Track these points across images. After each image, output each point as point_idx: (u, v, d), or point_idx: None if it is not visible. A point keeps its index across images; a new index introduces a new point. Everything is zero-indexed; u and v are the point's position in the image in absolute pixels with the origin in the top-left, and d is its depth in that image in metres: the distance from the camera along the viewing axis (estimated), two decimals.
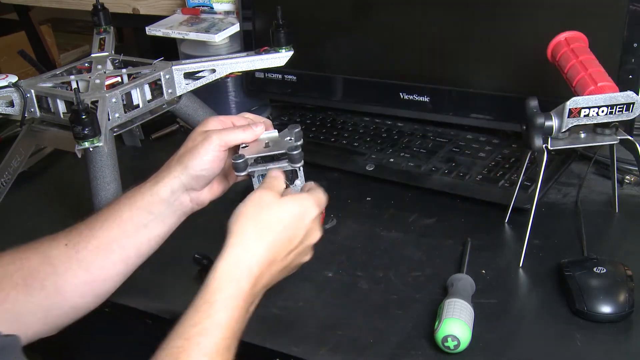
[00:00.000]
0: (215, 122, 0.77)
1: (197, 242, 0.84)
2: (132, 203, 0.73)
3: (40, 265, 0.70)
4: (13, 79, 0.89)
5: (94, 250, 0.72)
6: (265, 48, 0.95)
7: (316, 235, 0.70)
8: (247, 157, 0.72)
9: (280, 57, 0.95)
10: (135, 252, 0.74)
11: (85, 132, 0.76)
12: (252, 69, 0.95)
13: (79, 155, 0.80)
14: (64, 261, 0.71)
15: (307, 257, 0.71)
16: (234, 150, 0.75)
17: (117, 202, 0.74)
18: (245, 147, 0.74)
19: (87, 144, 0.76)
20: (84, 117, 0.75)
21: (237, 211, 0.67)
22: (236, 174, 0.73)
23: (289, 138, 0.76)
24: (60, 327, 0.72)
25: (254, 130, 0.75)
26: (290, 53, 0.95)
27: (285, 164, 0.72)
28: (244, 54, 0.96)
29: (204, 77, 0.94)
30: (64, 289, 0.70)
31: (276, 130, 0.77)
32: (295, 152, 0.72)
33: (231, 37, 1.16)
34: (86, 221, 0.74)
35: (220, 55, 1.01)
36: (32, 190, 1.07)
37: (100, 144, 0.77)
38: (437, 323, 0.69)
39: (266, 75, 1.19)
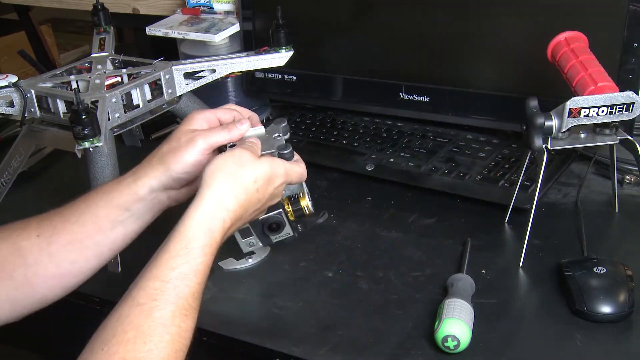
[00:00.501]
0: (201, 121, 0.76)
1: None
2: (110, 199, 0.73)
3: (9, 255, 0.70)
4: (13, 79, 0.89)
5: (67, 245, 0.72)
6: (265, 48, 0.95)
7: (276, 200, 0.74)
8: None
9: (280, 57, 0.94)
10: (109, 248, 0.74)
11: (85, 132, 0.76)
12: (252, 69, 0.95)
13: (79, 155, 0.80)
14: (34, 253, 0.70)
15: (261, 216, 0.76)
16: (219, 149, 0.75)
17: (94, 196, 0.74)
18: (232, 145, 0.75)
19: (87, 144, 0.76)
20: (84, 117, 0.75)
21: (216, 164, 0.68)
22: None
23: (277, 135, 0.76)
24: (26, 315, 0.72)
25: (239, 129, 0.76)
26: (290, 53, 0.95)
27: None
28: (244, 54, 0.96)
29: (204, 77, 0.94)
30: (33, 281, 0.70)
31: (263, 127, 0.77)
32: (286, 152, 0.73)
33: (231, 37, 1.16)
34: (60, 211, 0.73)
35: (220, 55, 1.01)
36: (32, 190, 1.07)
37: (100, 144, 0.77)
38: (437, 323, 0.69)
39: (266, 75, 1.19)
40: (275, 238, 0.79)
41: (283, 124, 0.78)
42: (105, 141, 0.79)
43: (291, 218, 0.78)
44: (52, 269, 0.71)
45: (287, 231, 0.79)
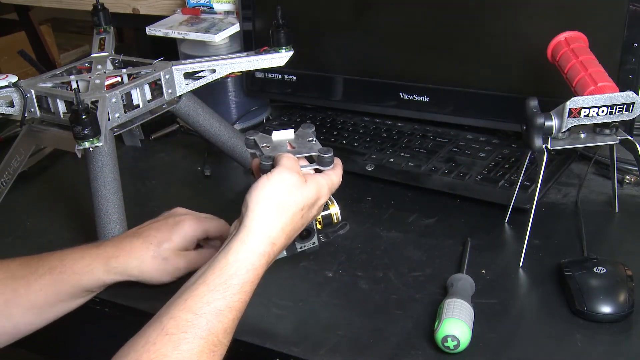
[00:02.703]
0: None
1: None
2: (76, 281, 0.75)
3: None
4: (13, 79, 0.89)
5: (27, 310, 0.73)
6: (265, 48, 0.95)
7: (315, 216, 0.72)
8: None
9: (280, 57, 0.94)
10: (67, 311, 0.76)
11: (85, 132, 0.76)
12: (252, 69, 0.95)
13: (79, 155, 0.80)
14: None
15: None
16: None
17: (62, 269, 0.74)
18: (267, 146, 0.73)
19: (87, 144, 0.76)
20: (84, 117, 0.75)
21: (262, 189, 0.66)
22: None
23: (310, 139, 0.74)
24: None
25: None
26: (290, 53, 0.95)
27: (306, 164, 0.71)
28: (244, 54, 0.96)
29: (204, 77, 0.94)
30: None
31: (292, 130, 0.75)
32: (327, 155, 0.70)
33: (231, 37, 1.16)
34: (25, 274, 0.74)
35: (220, 55, 1.01)
36: (32, 190, 1.07)
37: (100, 144, 0.77)
38: (437, 323, 0.69)
39: (266, 75, 1.19)
40: (300, 247, 0.76)
41: (312, 129, 0.75)
42: (105, 141, 0.79)
43: (318, 227, 0.75)
44: (9, 329, 0.73)
45: (314, 240, 0.76)
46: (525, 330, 0.72)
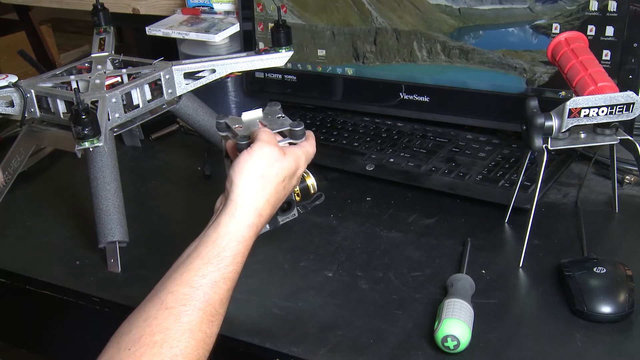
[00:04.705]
0: None
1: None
2: None
3: None
4: (13, 79, 0.89)
5: None
6: (265, 48, 0.95)
7: (294, 186, 0.75)
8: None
9: (280, 57, 0.95)
10: None
11: (85, 132, 0.76)
12: (252, 69, 0.95)
13: (79, 155, 0.80)
14: None
15: None
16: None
17: None
18: (239, 127, 0.75)
19: (87, 144, 0.76)
20: (84, 117, 0.75)
21: (244, 165, 0.68)
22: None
23: (279, 115, 0.77)
24: None
25: None
26: (290, 53, 0.95)
27: (280, 139, 0.74)
28: (244, 54, 0.96)
29: (204, 77, 0.94)
30: None
31: (260, 109, 0.78)
32: (299, 129, 0.74)
33: (231, 37, 1.16)
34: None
35: (220, 55, 1.01)
36: (32, 190, 1.07)
37: (100, 144, 0.77)
38: (437, 323, 0.69)
39: (266, 75, 1.19)
40: (282, 220, 0.78)
41: (278, 106, 0.78)
42: (105, 141, 0.79)
43: (297, 199, 0.78)
44: None
45: (293, 212, 0.78)
46: (525, 330, 0.72)
